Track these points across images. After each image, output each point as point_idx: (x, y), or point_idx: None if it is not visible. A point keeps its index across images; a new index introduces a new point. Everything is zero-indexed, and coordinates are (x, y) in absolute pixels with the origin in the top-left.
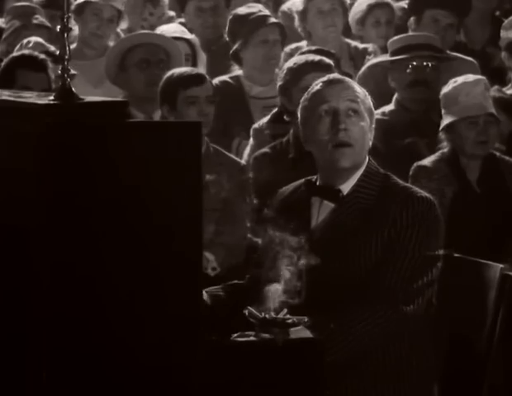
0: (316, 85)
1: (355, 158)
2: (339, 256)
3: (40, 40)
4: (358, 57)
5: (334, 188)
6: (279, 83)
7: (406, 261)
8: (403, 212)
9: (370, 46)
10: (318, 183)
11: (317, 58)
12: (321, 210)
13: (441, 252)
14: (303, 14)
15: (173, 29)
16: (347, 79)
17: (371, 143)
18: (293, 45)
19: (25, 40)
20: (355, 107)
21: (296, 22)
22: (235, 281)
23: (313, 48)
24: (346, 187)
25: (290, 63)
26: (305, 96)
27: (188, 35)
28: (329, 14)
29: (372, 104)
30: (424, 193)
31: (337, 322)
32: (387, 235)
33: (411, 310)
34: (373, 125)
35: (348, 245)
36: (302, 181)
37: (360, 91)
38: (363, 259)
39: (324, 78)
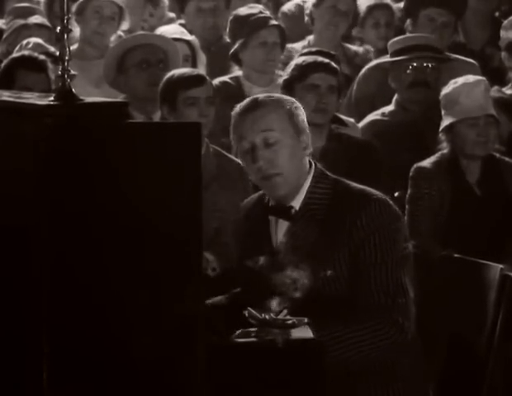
0: (234, 115)
1: (289, 183)
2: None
3: (39, 40)
4: (355, 60)
5: (285, 206)
6: (284, 78)
7: (383, 274)
8: (357, 221)
9: (367, 48)
10: (270, 202)
11: (326, 60)
12: (279, 229)
13: (409, 247)
14: (316, 6)
15: (172, 30)
16: (261, 104)
17: (308, 151)
18: (289, 45)
19: (24, 41)
20: (270, 136)
21: (310, 7)
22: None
23: (313, 49)
24: (297, 202)
25: (299, 60)
26: (231, 125)
27: (188, 36)
28: (338, 14)
29: (298, 113)
30: (375, 194)
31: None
32: (349, 248)
33: (409, 322)
34: (304, 134)
35: (311, 262)
36: (255, 199)
37: (275, 113)
38: (331, 276)
39: (239, 107)
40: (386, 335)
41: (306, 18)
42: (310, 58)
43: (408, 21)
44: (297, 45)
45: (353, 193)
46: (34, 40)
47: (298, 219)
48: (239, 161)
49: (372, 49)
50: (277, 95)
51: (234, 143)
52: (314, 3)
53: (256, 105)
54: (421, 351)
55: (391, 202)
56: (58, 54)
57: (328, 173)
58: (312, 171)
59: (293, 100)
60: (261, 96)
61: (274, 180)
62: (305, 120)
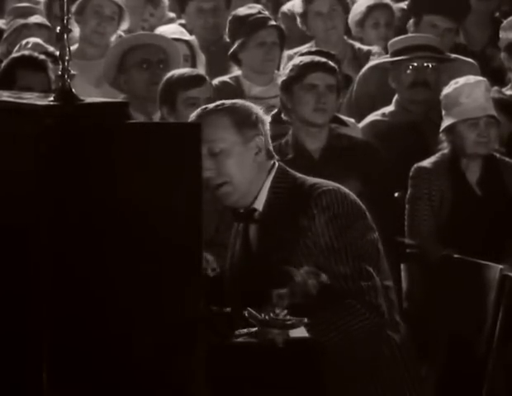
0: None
1: (239, 190)
2: (278, 276)
3: (38, 40)
4: (362, 58)
5: (248, 209)
6: (282, 79)
7: (344, 260)
8: (308, 213)
9: (375, 48)
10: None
11: (323, 60)
12: (251, 232)
13: (374, 235)
14: (303, 16)
15: (172, 30)
16: (206, 114)
17: (262, 155)
18: (295, 49)
19: (23, 41)
20: (215, 147)
21: (299, 24)
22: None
23: (313, 49)
24: (260, 203)
25: (296, 60)
26: None
27: (187, 36)
28: (329, 16)
29: (247, 120)
30: (326, 186)
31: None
32: (307, 242)
33: (383, 304)
34: (256, 138)
35: (279, 264)
36: None
37: (218, 124)
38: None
39: (191, 116)
40: (361, 311)
41: (308, 34)
42: (307, 58)
43: (411, 22)
44: (302, 48)
45: (305, 188)
46: (33, 39)
47: (262, 221)
48: None
49: (383, 51)
50: (228, 102)
51: None
52: (300, 20)
53: (201, 115)
54: (413, 348)
55: (345, 192)
56: (58, 53)
57: (289, 171)
58: (274, 170)
59: (244, 106)
60: (210, 105)
61: (223, 189)
62: (263, 122)
